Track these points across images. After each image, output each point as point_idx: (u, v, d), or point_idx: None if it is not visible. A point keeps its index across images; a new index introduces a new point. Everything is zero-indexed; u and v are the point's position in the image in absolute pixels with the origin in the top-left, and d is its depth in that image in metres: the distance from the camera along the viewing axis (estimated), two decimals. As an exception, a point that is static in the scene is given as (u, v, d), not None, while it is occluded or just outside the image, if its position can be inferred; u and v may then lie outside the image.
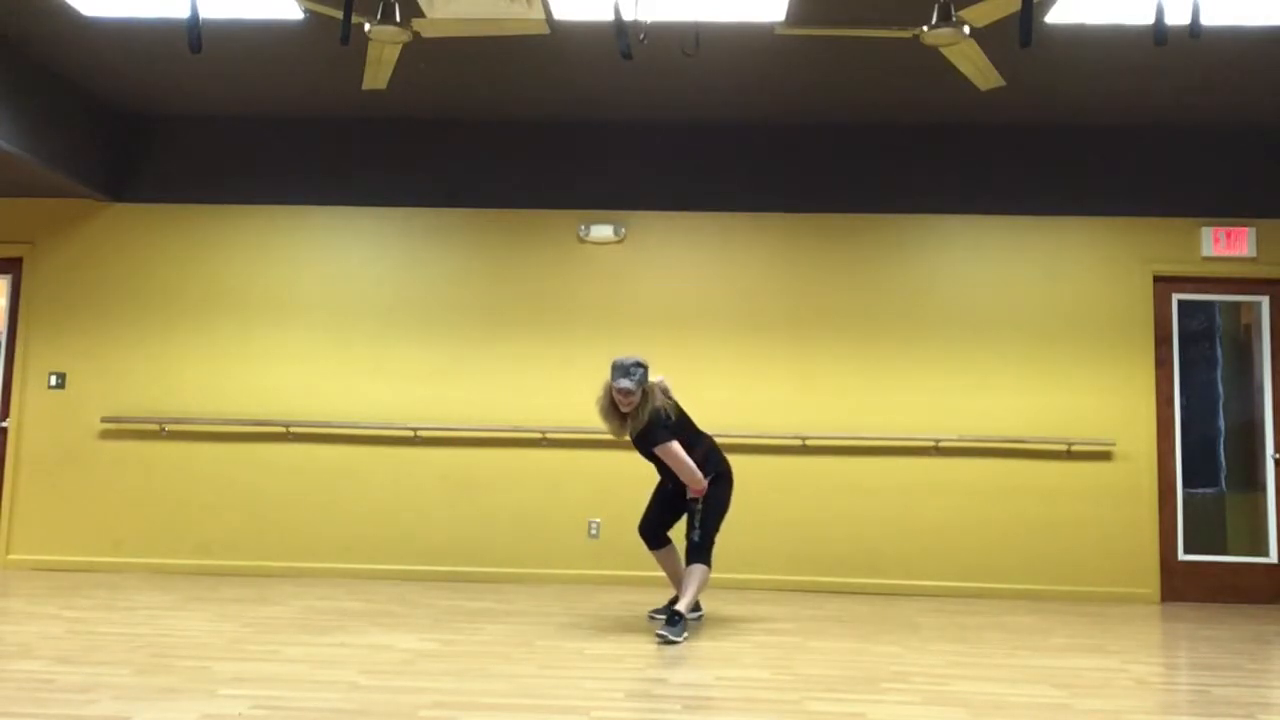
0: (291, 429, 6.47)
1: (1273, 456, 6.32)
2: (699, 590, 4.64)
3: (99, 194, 6.53)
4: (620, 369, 4.59)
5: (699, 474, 4.66)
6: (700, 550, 4.68)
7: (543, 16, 4.28)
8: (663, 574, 6.07)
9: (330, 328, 6.57)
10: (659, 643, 4.40)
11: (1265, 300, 6.42)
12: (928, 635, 4.78)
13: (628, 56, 4.06)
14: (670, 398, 4.78)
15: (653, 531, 4.97)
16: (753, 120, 6.52)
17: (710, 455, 4.83)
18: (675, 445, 4.64)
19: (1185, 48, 5.23)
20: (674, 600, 4.74)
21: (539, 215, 6.59)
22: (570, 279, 6.54)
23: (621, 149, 6.62)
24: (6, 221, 6.73)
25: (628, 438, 4.78)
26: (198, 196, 6.70)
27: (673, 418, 4.69)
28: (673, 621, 4.49)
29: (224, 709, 3.11)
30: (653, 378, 4.76)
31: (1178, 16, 4.40)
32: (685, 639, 4.50)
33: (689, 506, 4.75)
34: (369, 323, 6.57)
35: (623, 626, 4.77)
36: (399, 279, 6.59)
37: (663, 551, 4.98)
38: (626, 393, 4.57)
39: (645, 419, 4.61)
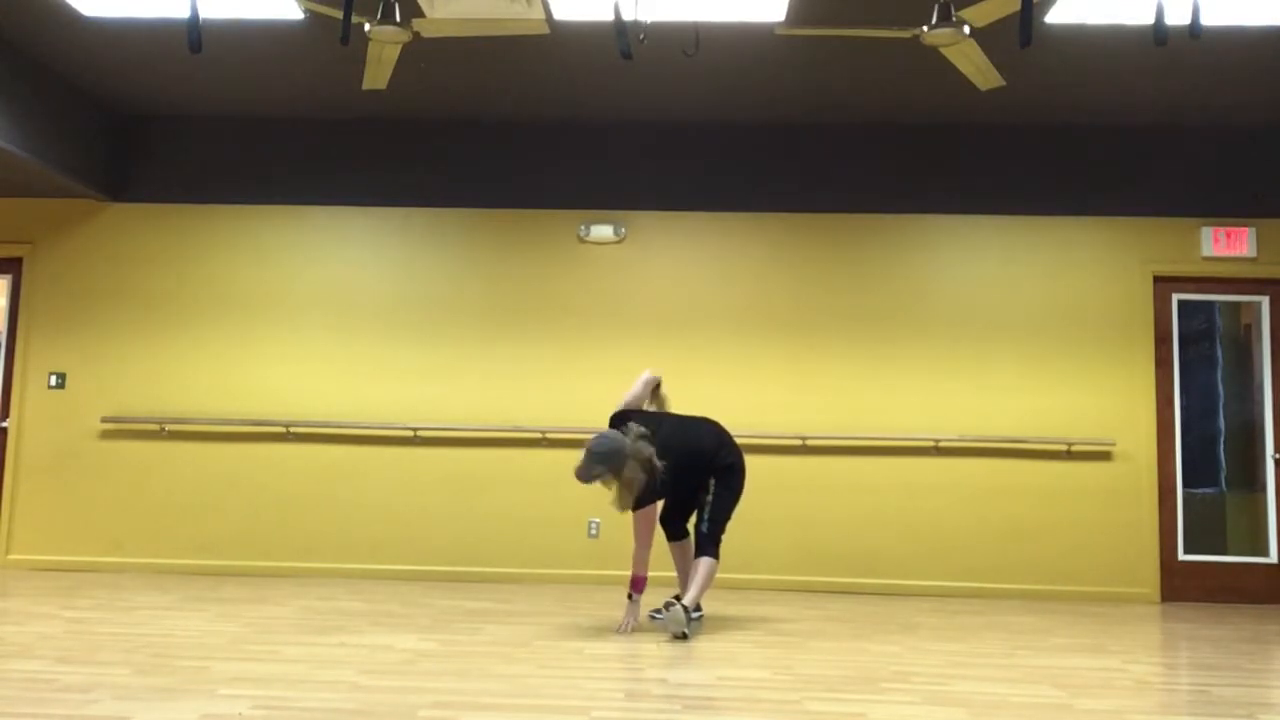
0: (292, 429, 6.47)
1: (1273, 456, 6.32)
2: (705, 586, 4.61)
3: (99, 194, 6.53)
4: (584, 473, 4.44)
5: (645, 562, 4.57)
6: (709, 541, 4.65)
7: (543, 16, 4.28)
8: (663, 574, 6.07)
9: (330, 328, 6.57)
10: (672, 633, 4.45)
11: (1265, 300, 6.42)
12: (928, 635, 4.77)
13: (628, 56, 4.06)
14: (657, 397, 4.84)
15: (672, 521, 4.93)
16: (753, 120, 6.52)
17: (725, 443, 4.80)
18: (653, 512, 4.56)
19: (1185, 48, 5.23)
20: (677, 597, 4.74)
21: (539, 215, 6.59)
22: (570, 279, 6.54)
23: (621, 149, 6.62)
24: (6, 221, 6.73)
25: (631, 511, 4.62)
26: (198, 196, 6.70)
27: (659, 472, 4.44)
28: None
29: (224, 709, 3.11)
30: (644, 376, 4.84)
31: (1178, 16, 4.40)
32: (698, 618, 4.63)
33: (698, 498, 4.72)
34: (369, 323, 6.56)
35: (623, 626, 4.77)
36: (399, 279, 6.59)
37: (680, 544, 4.93)
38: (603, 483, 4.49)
39: (636, 494, 4.47)
